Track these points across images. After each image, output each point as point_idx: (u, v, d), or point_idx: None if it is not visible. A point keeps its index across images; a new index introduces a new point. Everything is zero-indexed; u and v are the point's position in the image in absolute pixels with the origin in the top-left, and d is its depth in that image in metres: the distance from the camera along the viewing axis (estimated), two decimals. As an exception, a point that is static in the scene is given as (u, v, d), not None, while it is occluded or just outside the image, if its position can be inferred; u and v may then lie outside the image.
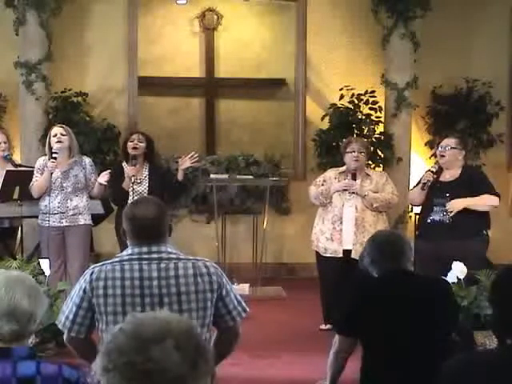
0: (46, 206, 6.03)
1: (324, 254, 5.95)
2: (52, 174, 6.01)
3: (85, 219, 6.13)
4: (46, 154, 6.23)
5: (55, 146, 6.05)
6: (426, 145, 8.65)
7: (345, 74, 8.60)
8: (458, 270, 5.09)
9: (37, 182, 6.08)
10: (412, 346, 3.25)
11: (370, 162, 7.43)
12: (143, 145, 6.27)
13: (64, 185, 6.08)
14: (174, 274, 2.91)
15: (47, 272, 5.41)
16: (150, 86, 8.82)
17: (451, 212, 5.49)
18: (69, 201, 6.08)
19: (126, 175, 6.20)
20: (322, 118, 8.35)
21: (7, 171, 6.32)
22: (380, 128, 8.32)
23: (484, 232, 5.63)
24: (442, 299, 3.38)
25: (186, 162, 6.40)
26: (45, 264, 5.42)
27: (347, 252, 5.82)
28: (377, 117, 8.28)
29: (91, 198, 6.25)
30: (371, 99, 8.24)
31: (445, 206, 5.54)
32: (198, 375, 1.52)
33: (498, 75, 8.77)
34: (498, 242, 6.33)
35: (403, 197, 6.45)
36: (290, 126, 8.87)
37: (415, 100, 8.29)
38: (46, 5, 7.83)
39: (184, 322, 1.59)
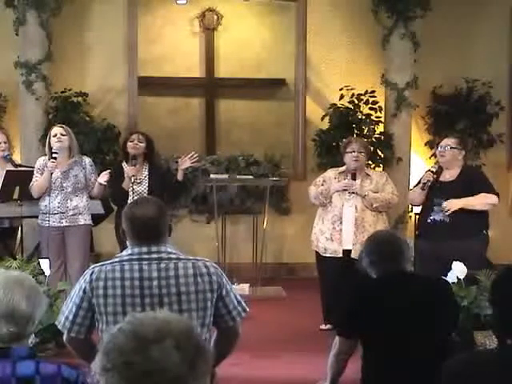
0: (46, 206, 6.03)
1: (324, 254, 5.95)
2: (52, 174, 6.00)
3: (85, 219, 6.13)
4: (45, 154, 6.22)
5: (55, 146, 6.05)
6: (425, 145, 8.65)
7: (345, 74, 8.61)
8: (458, 270, 5.09)
9: (37, 182, 6.07)
10: (412, 346, 3.24)
11: (370, 162, 7.43)
12: (143, 145, 6.27)
13: (64, 185, 6.08)
14: (174, 274, 2.91)
15: (47, 272, 5.41)
16: (150, 85, 8.82)
17: (448, 211, 5.50)
18: (69, 201, 6.08)
19: (125, 175, 6.20)
20: (322, 118, 8.35)
21: (7, 171, 6.32)
22: (380, 128, 8.32)
23: (484, 232, 5.63)
24: (442, 299, 3.38)
25: (185, 162, 6.40)
26: (45, 264, 5.43)
27: (347, 252, 5.82)
28: (377, 117, 8.28)
29: (91, 198, 6.25)
30: (371, 99, 8.24)
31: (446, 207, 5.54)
32: (197, 375, 1.52)
33: (498, 75, 8.77)
34: (497, 242, 6.34)
35: (403, 197, 6.45)
36: (290, 126, 8.87)
37: (415, 100, 8.29)
38: (46, 5, 7.83)
39: (184, 322, 1.59)
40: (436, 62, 8.49)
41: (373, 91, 8.22)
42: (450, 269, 5.09)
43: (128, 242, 3.02)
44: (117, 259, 2.97)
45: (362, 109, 8.26)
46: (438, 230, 5.53)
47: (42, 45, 7.90)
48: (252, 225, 8.08)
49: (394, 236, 3.64)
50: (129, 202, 5.15)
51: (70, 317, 2.96)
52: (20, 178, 6.34)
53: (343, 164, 6.10)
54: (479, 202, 5.55)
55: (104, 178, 6.07)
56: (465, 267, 5.09)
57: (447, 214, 5.50)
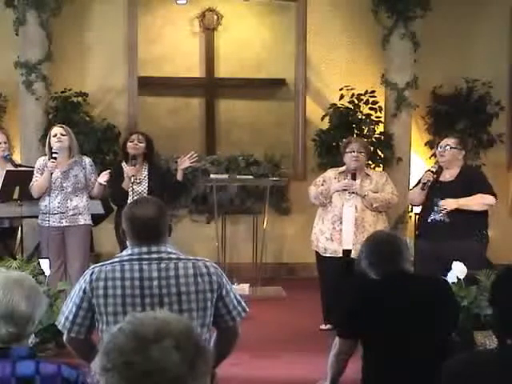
0: (45, 206, 6.03)
1: (324, 254, 5.95)
2: (52, 174, 6.00)
3: (85, 219, 6.13)
4: (46, 154, 6.22)
5: (55, 146, 6.05)
6: (426, 145, 8.65)
7: (345, 74, 8.61)
8: (458, 270, 5.09)
9: (37, 182, 6.07)
10: (412, 346, 3.24)
11: (369, 162, 7.43)
12: (143, 145, 6.27)
13: (64, 185, 6.08)
14: (174, 274, 2.91)
15: (47, 272, 5.41)
16: (150, 85, 8.82)
17: (444, 209, 5.50)
18: (69, 201, 6.08)
19: (125, 175, 6.20)
20: (322, 118, 8.35)
21: (7, 171, 6.32)
22: (380, 128, 8.32)
23: (484, 232, 5.63)
24: (442, 299, 3.38)
25: (185, 162, 6.40)
26: (45, 264, 5.42)
27: (347, 252, 5.82)
28: (377, 117, 8.28)
29: (91, 198, 6.25)
30: (371, 99, 8.24)
31: (443, 206, 5.54)
32: (197, 375, 1.52)
33: (498, 75, 8.77)
34: (497, 242, 6.34)
35: (403, 197, 6.44)
36: (290, 126, 8.87)
37: (415, 100, 8.29)
38: (46, 5, 7.83)
39: (183, 322, 1.59)
40: (436, 62, 8.49)
41: (373, 91, 8.22)
42: (449, 269, 5.09)
43: (128, 242, 3.01)
44: (117, 259, 2.97)
45: (361, 109, 8.26)
46: (438, 230, 5.53)
47: (42, 45, 7.90)
48: (252, 225, 8.08)
49: (391, 236, 3.64)
50: (128, 202, 5.15)
51: (70, 317, 2.96)
52: (20, 178, 6.34)
53: (343, 164, 6.10)
54: (476, 202, 5.54)
55: (104, 177, 6.07)
56: (465, 267, 5.09)
57: (443, 212, 5.50)
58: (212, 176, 7.80)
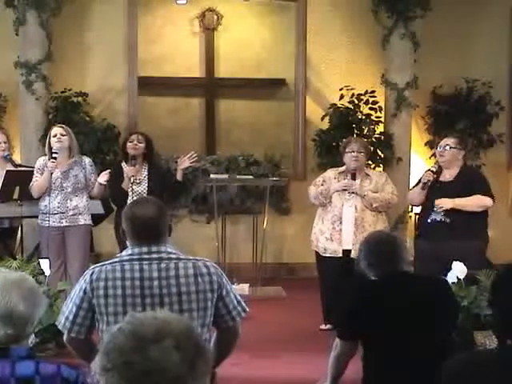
0: (45, 206, 6.03)
1: (324, 254, 5.95)
2: (52, 174, 6.00)
3: (85, 219, 6.13)
4: (45, 154, 6.22)
5: (55, 146, 6.05)
6: (426, 145, 8.65)
7: (345, 74, 8.61)
8: (457, 270, 5.09)
9: (37, 182, 6.07)
10: (412, 346, 3.24)
11: (369, 162, 7.43)
12: (142, 145, 6.27)
13: (64, 185, 6.08)
14: (174, 274, 2.91)
15: (47, 272, 5.41)
16: (150, 85, 8.82)
17: (440, 208, 5.50)
18: (69, 201, 6.07)
19: (125, 175, 6.19)
20: (322, 118, 8.35)
21: (7, 171, 6.32)
22: (380, 128, 8.32)
23: (484, 232, 5.63)
24: (442, 299, 3.38)
25: (184, 162, 6.39)
26: (45, 264, 5.42)
27: (347, 252, 5.82)
28: (377, 117, 8.28)
29: (91, 198, 6.25)
30: (371, 99, 8.24)
31: (443, 206, 5.53)
32: (197, 375, 1.52)
33: (498, 75, 8.77)
34: (497, 242, 6.34)
35: (403, 197, 6.44)
36: (290, 126, 8.87)
37: (415, 100, 8.29)
38: (46, 5, 7.83)
39: (183, 322, 1.59)
40: (436, 62, 8.49)
41: (373, 91, 8.22)
42: (449, 269, 5.08)
43: (128, 242, 3.02)
44: (117, 259, 2.97)
45: (362, 109, 8.26)
46: (438, 230, 5.53)
47: (42, 45, 7.90)
48: (252, 225, 8.08)
49: (389, 237, 3.64)
50: (128, 202, 5.15)
51: (70, 317, 2.96)
52: (20, 177, 6.34)
53: (343, 164, 6.10)
54: (472, 203, 5.54)
55: (104, 177, 6.07)
56: (465, 267, 5.09)
57: (440, 211, 5.50)
58: (212, 176, 7.80)
